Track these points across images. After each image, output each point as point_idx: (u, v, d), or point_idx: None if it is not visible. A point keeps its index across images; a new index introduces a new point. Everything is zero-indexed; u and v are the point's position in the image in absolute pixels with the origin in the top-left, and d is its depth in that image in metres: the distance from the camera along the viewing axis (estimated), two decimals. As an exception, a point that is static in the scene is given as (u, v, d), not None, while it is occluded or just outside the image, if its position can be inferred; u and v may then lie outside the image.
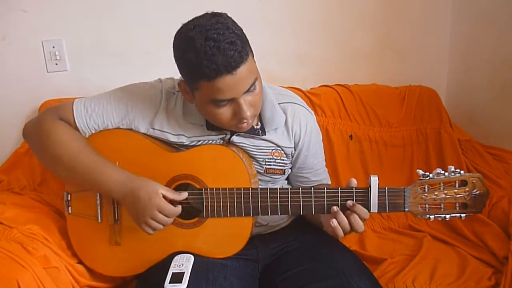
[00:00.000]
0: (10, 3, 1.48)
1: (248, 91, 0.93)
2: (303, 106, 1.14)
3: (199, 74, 0.88)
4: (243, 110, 0.93)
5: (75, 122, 1.04)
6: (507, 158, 1.49)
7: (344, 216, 0.94)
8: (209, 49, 0.86)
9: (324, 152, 1.21)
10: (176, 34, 0.93)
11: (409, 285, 1.13)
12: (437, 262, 1.21)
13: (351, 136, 1.59)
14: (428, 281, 1.14)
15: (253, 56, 0.94)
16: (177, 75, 0.99)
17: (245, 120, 0.96)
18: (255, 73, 0.94)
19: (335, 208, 0.95)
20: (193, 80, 0.92)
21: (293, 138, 1.11)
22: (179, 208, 0.98)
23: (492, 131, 1.60)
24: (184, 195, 1.00)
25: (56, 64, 1.54)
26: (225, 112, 0.95)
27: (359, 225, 0.93)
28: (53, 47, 1.53)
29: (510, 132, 1.52)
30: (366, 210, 0.94)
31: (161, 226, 0.98)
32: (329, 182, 1.21)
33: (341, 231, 0.94)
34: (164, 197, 0.97)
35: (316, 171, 1.17)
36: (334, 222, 0.94)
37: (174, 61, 0.94)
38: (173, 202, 0.98)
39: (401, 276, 1.16)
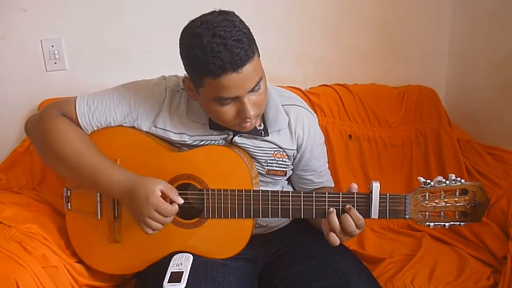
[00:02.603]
0: (9, 2, 1.48)
1: (252, 90, 0.92)
2: (306, 109, 1.14)
3: (204, 70, 0.88)
4: (247, 109, 0.93)
5: (77, 119, 1.04)
6: (506, 158, 1.49)
7: (335, 218, 0.94)
8: (216, 46, 0.85)
9: (324, 152, 1.22)
10: (183, 30, 0.92)
11: (408, 284, 1.13)
12: (436, 261, 1.21)
13: (350, 136, 1.59)
14: (427, 280, 1.14)
15: (259, 56, 0.94)
16: (179, 73, 0.98)
17: (248, 120, 0.95)
18: (260, 72, 0.94)
19: (331, 209, 0.95)
20: (198, 76, 0.91)
21: (295, 140, 1.10)
22: (176, 207, 0.97)
23: (491, 131, 1.60)
24: (180, 200, 0.97)
25: (55, 63, 1.54)
26: (229, 110, 0.94)
27: (350, 224, 0.93)
28: (52, 46, 1.53)
29: (510, 132, 1.53)
30: (360, 216, 0.94)
31: (160, 226, 0.97)
32: (332, 185, 1.21)
33: (335, 237, 0.94)
34: (162, 192, 0.95)
35: (319, 173, 1.17)
36: (326, 223, 0.96)
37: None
38: (169, 200, 0.97)
39: (400, 275, 1.16)
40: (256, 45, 0.93)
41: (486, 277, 1.14)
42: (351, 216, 0.93)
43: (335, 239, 0.94)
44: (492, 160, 1.52)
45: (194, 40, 0.88)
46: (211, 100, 0.94)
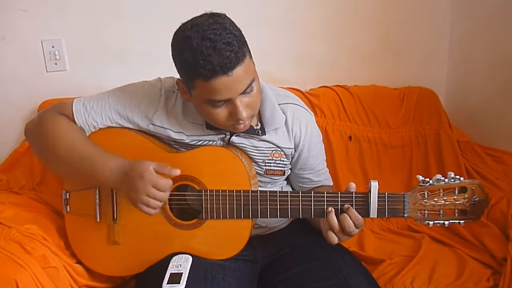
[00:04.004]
0: (9, 3, 1.48)
1: (244, 92, 0.92)
2: (302, 107, 1.14)
3: (195, 73, 0.88)
4: (239, 111, 0.93)
5: (74, 120, 1.05)
6: (506, 160, 1.49)
7: (334, 217, 0.94)
8: (205, 49, 0.85)
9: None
10: (174, 33, 0.93)
11: (407, 286, 1.13)
12: (436, 263, 1.21)
13: (350, 137, 1.59)
14: (427, 282, 1.14)
15: (250, 57, 0.94)
16: (177, 75, 0.99)
17: (241, 121, 0.95)
18: (252, 74, 0.93)
19: (329, 208, 0.95)
20: (190, 79, 0.92)
21: (293, 139, 1.11)
22: (170, 181, 0.95)
23: (491, 132, 1.60)
24: (177, 171, 0.96)
25: (56, 63, 1.54)
26: (221, 112, 0.94)
27: (349, 224, 0.93)
28: (53, 47, 1.53)
29: (509, 133, 1.53)
30: (358, 216, 0.94)
31: (159, 204, 0.95)
32: (331, 183, 1.21)
33: (334, 236, 0.94)
34: (156, 171, 0.95)
35: (318, 171, 1.17)
36: (324, 222, 0.96)
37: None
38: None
39: (400, 277, 1.16)
40: (248, 47, 0.93)
41: (486, 278, 1.14)
42: (349, 216, 0.94)
43: (333, 238, 0.94)
44: (492, 161, 1.52)
45: (185, 43, 0.88)
46: (203, 102, 0.94)
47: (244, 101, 0.94)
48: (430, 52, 1.77)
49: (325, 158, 1.21)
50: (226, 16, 0.92)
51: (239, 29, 0.92)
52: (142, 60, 1.58)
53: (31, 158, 1.44)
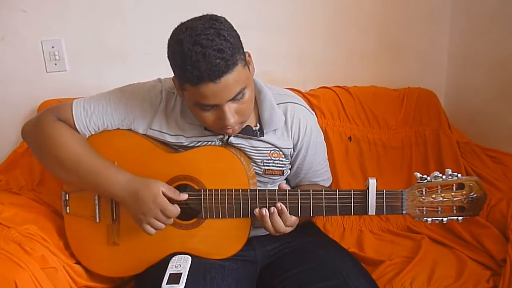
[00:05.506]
0: (9, 3, 1.48)
1: (234, 99, 0.92)
2: (303, 106, 1.14)
3: (184, 77, 0.89)
4: (226, 117, 0.93)
5: (74, 124, 1.04)
6: (506, 161, 1.49)
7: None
8: (195, 55, 0.85)
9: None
10: (171, 33, 0.92)
11: (407, 287, 1.13)
12: (435, 264, 1.21)
13: (350, 138, 1.59)
14: (426, 283, 1.14)
15: (244, 65, 0.92)
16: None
17: (229, 127, 0.96)
18: (243, 82, 0.92)
19: (271, 209, 0.98)
20: (180, 81, 0.92)
21: (292, 138, 1.11)
22: (178, 208, 0.99)
23: (490, 133, 1.60)
24: (184, 196, 1.00)
25: (55, 64, 1.54)
26: (209, 116, 0.95)
27: (279, 225, 0.98)
28: (52, 47, 1.53)
29: (509, 134, 1.53)
30: (281, 224, 0.98)
31: (163, 226, 0.99)
32: (328, 184, 1.21)
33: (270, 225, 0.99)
34: (164, 194, 0.97)
35: (316, 171, 1.17)
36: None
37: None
38: (172, 201, 0.99)
39: (399, 278, 1.16)
40: (243, 55, 0.92)
41: (485, 279, 1.14)
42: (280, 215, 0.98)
43: (267, 224, 0.99)
44: (491, 162, 1.52)
45: (177, 46, 0.88)
46: (192, 103, 0.94)
47: (233, 108, 0.93)
48: (430, 53, 1.77)
49: (326, 158, 1.20)
50: (226, 21, 0.92)
51: (236, 35, 0.91)
52: (142, 60, 1.58)
53: (31, 158, 1.44)
